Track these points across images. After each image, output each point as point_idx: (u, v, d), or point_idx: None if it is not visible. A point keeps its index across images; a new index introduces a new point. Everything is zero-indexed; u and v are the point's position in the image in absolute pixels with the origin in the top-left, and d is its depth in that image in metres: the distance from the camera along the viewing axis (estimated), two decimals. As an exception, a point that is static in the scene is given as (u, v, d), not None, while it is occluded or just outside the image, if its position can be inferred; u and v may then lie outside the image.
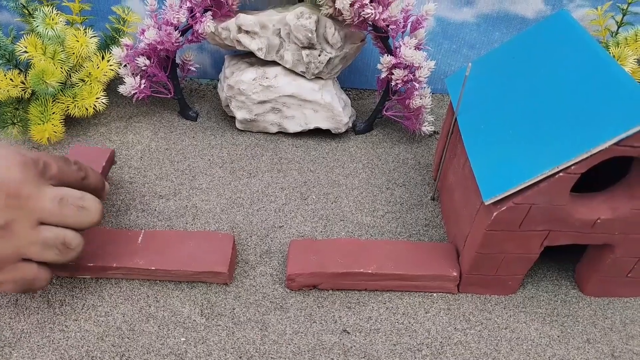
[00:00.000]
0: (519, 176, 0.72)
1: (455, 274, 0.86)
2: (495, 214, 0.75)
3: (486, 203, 0.74)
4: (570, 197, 0.74)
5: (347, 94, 1.31)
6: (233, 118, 1.23)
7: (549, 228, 0.77)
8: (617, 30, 1.20)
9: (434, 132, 1.23)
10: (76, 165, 0.76)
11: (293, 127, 1.19)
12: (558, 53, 0.83)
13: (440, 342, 0.81)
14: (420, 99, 1.13)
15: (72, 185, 0.74)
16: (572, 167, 0.69)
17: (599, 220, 0.76)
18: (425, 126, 1.18)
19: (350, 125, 1.21)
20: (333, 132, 1.18)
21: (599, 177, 0.83)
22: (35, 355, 0.77)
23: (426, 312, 0.85)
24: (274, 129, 1.20)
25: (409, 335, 0.82)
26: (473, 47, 1.32)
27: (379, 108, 1.20)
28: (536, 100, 0.80)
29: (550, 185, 0.71)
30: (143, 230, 0.91)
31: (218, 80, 1.25)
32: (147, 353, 0.78)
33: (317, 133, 1.21)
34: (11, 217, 0.64)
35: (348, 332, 0.82)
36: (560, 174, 0.70)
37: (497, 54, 0.94)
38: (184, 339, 0.79)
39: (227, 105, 1.21)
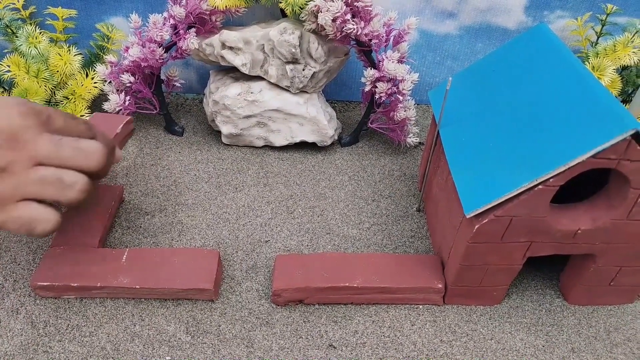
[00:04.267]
0: (500, 189, 0.73)
1: (440, 285, 0.86)
2: (477, 226, 0.76)
3: (467, 216, 0.75)
4: (551, 209, 0.75)
5: (332, 107, 1.32)
6: (219, 132, 1.24)
7: (530, 239, 0.78)
8: (597, 40, 1.22)
9: (420, 143, 1.24)
10: (86, 125, 0.78)
11: (279, 141, 1.19)
12: (536, 66, 0.84)
13: (426, 355, 0.81)
14: (405, 111, 1.14)
15: None
16: (551, 180, 0.70)
17: (579, 231, 0.77)
18: (410, 138, 1.19)
19: (336, 137, 1.22)
20: (319, 145, 1.19)
21: (583, 186, 0.84)
22: (19, 378, 0.76)
23: (412, 325, 0.85)
24: (260, 143, 1.21)
25: (395, 349, 0.82)
26: (457, 58, 1.33)
27: (364, 120, 1.21)
28: (516, 114, 0.81)
29: (530, 198, 0.72)
30: (127, 249, 0.90)
31: (204, 95, 1.26)
32: (132, 373, 0.77)
33: (303, 146, 1.22)
34: (10, 159, 0.68)
35: (334, 347, 0.82)
36: (540, 186, 0.71)
37: (478, 68, 0.96)
38: (169, 358, 0.79)
39: (213, 120, 1.21)
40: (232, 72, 1.19)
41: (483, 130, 0.84)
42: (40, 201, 0.72)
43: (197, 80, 1.38)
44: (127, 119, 1.12)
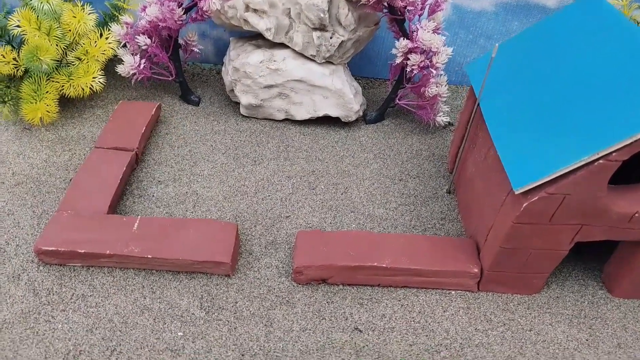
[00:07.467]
0: (554, 164, 0.66)
1: (476, 270, 0.80)
2: (525, 204, 0.69)
3: (516, 192, 0.68)
4: (608, 189, 0.68)
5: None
6: (237, 104, 1.17)
7: (582, 222, 0.71)
8: (643, 21, 1.14)
9: (449, 123, 1.17)
10: None
11: (301, 114, 1.12)
12: (592, 37, 0.77)
13: (460, 344, 0.75)
14: (437, 87, 1.07)
15: None
16: (614, 154, 0.63)
17: (637, 214, 0.70)
18: (440, 116, 1.12)
19: (361, 113, 1.15)
20: (343, 120, 1.12)
21: (634, 169, 0.77)
22: (18, 348, 0.70)
23: (444, 311, 0.79)
24: (281, 116, 1.14)
25: (426, 335, 0.75)
26: (490, 37, 1.26)
27: (391, 97, 1.14)
28: (570, 85, 0.74)
29: (589, 174, 0.65)
30: (139, 217, 0.84)
31: (222, 64, 1.19)
32: (141, 348, 0.71)
33: (326, 121, 1.15)
34: None
35: (360, 331, 0.75)
36: (600, 161, 0.64)
37: (523, 38, 0.88)
38: (182, 334, 0.73)
39: (232, 90, 1.14)
40: (254, 40, 1.12)
41: (531, 102, 0.77)
42: None
43: (215, 52, 1.31)
44: (156, 105, 1.09)
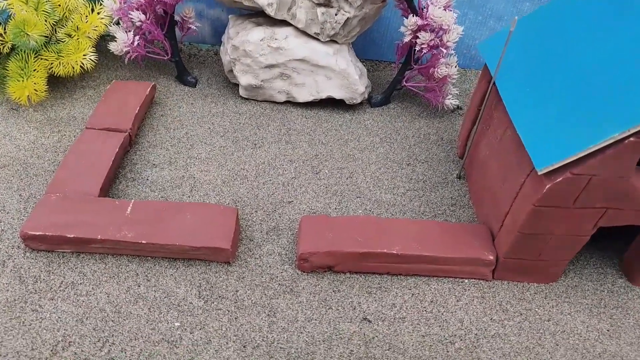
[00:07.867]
0: (580, 142, 0.62)
1: (491, 257, 0.75)
2: (548, 186, 0.64)
3: (539, 173, 0.64)
4: (636, 169, 0.64)
5: (361, 65, 1.20)
6: (236, 85, 1.12)
7: (607, 205, 0.67)
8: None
9: (458, 107, 1.12)
10: None
11: (303, 96, 1.07)
12: (619, 8, 0.72)
13: (475, 334, 0.70)
14: (446, 67, 1.02)
15: None
16: (646, 131, 0.59)
17: (666, 197, 0.66)
18: (449, 99, 1.07)
19: (366, 96, 1.10)
20: (347, 102, 1.07)
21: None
22: (2, 339, 0.65)
23: (457, 300, 0.74)
24: (282, 98, 1.09)
25: (439, 326, 0.71)
26: (501, 19, 1.21)
27: (398, 78, 1.09)
28: (596, 61, 0.69)
29: (618, 153, 0.61)
30: (133, 200, 0.79)
31: (221, 44, 1.14)
32: (135, 339, 0.66)
33: (329, 104, 1.10)
34: None
35: (369, 321, 0.71)
36: (631, 139, 0.59)
37: (538, 16, 0.83)
38: (179, 324, 0.68)
39: (231, 70, 1.09)
40: (254, 17, 1.07)
41: (553, 79, 0.72)
42: None
43: (212, 33, 1.25)
44: (150, 85, 1.03)
